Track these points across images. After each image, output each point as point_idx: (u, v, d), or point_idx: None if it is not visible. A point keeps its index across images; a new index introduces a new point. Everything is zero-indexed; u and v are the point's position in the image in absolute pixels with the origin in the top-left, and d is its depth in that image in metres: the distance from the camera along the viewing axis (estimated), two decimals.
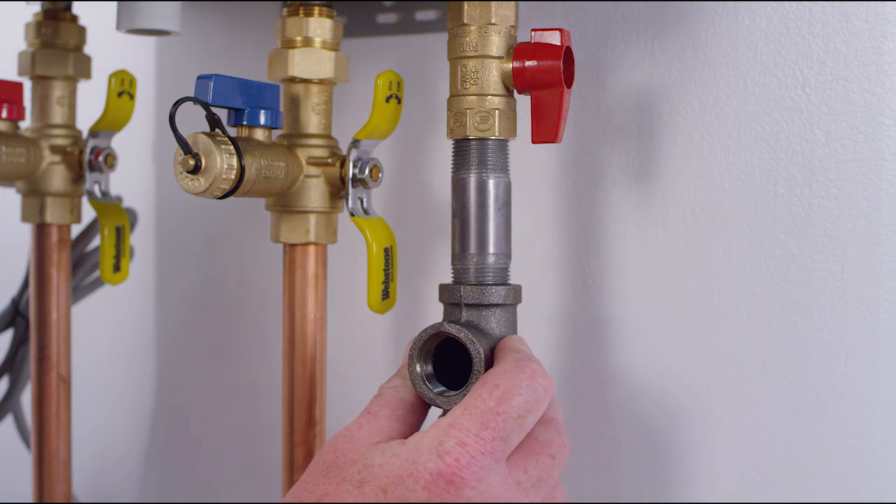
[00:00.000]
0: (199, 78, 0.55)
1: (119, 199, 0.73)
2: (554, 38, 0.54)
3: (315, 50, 0.60)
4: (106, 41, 0.77)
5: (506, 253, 0.56)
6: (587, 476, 0.70)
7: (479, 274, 0.55)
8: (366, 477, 0.48)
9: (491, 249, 0.55)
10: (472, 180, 0.55)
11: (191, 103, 0.53)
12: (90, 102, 0.74)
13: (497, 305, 0.55)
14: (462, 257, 0.56)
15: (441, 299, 0.56)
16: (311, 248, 0.61)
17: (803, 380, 0.63)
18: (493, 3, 0.54)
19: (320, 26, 0.60)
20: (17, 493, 0.91)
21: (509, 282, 0.57)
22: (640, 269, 0.68)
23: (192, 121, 0.58)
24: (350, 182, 0.59)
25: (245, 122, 0.58)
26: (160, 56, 0.91)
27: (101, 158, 0.71)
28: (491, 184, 0.55)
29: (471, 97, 0.55)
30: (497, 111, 0.54)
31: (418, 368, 0.54)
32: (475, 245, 0.55)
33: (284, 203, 0.61)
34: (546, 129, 0.54)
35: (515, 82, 0.54)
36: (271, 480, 0.83)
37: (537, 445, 0.50)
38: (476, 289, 0.55)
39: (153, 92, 0.91)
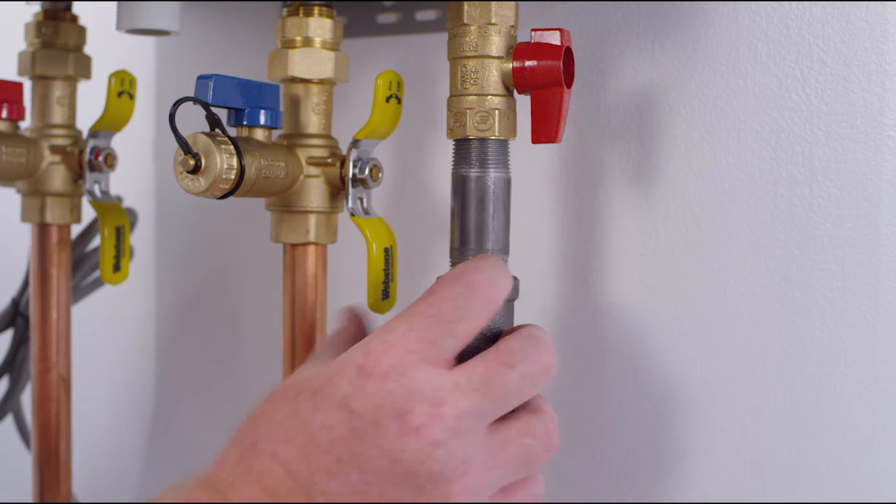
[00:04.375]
0: (199, 78, 0.55)
1: (119, 199, 0.73)
2: (554, 38, 0.54)
3: (315, 50, 0.60)
4: (106, 41, 0.77)
5: (504, 248, 0.56)
6: (585, 475, 0.70)
7: None
8: (301, 389, 0.48)
9: (489, 245, 0.55)
10: (472, 175, 0.55)
11: (191, 103, 0.53)
12: (90, 102, 0.74)
13: None
14: (461, 252, 0.56)
15: None
16: (311, 248, 0.61)
17: (803, 380, 0.63)
18: (493, 3, 0.54)
19: (320, 26, 0.60)
20: (17, 493, 0.91)
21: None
22: (640, 269, 0.68)
23: (192, 121, 0.58)
24: (350, 182, 0.59)
25: (245, 122, 0.58)
26: (160, 56, 0.91)
27: (101, 158, 0.71)
28: (491, 179, 0.55)
29: (471, 97, 0.55)
30: (497, 111, 0.54)
31: None
32: (474, 240, 0.55)
33: (284, 203, 0.61)
34: (546, 129, 0.54)
35: (515, 82, 0.54)
36: None
37: (496, 353, 0.49)
38: None
39: (153, 92, 0.91)
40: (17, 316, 0.81)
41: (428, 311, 0.48)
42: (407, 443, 0.45)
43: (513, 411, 0.49)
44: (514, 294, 0.56)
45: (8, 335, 0.82)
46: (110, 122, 0.71)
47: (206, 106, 0.54)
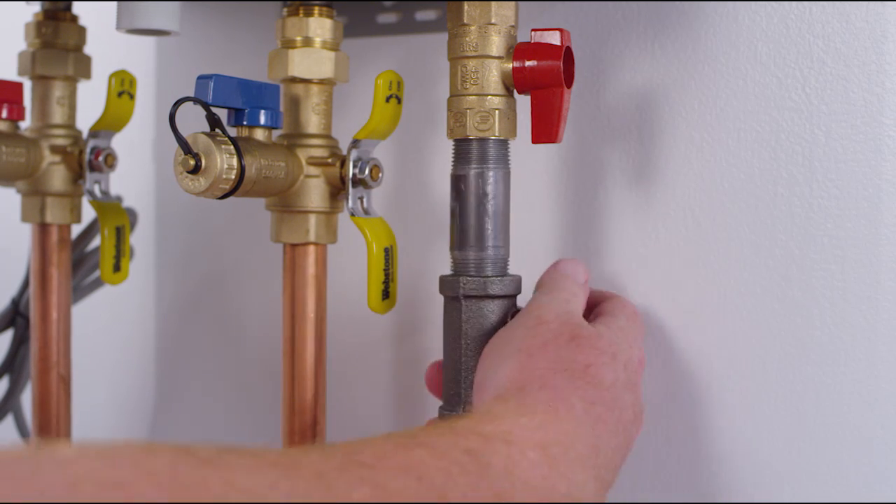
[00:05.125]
0: (199, 78, 0.55)
1: (119, 199, 0.73)
2: (554, 38, 0.54)
3: (315, 50, 0.60)
4: (106, 41, 0.77)
5: (505, 244, 0.56)
6: None
7: (478, 265, 0.55)
8: (615, 351, 0.55)
9: (490, 241, 0.55)
10: (472, 172, 0.55)
11: (191, 103, 0.53)
12: (90, 102, 0.74)
13: (497, 297, 0.55)
14: (461, 249, 0.56)
15: (441, 291, 0.56)
16: (311, 248, 0.61)
17: (803, 380, 0.63)
18: (493, 3, 0.54)
19: (320, 26, 0.60)
20: None
21: (509, 273, 0.57)
22: (640, 269, 0.68)
23: (193, 121, 0.58)
24: (350, 182, 0.59)
25: (245, 122, 0.58)
26: (160, 56, 0.91)
27: (101, 158, 0.71)
28: (491, 175, 0.55)
29: (471, 97, 0.55)
30: (497, 111, 0.54)
31: None
32: (474, 236, 0.55)
33: (284, 203, 0.61)
34: (546, 129, 0.54)
35: (515, 82, 0.54)
36: None
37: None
38: (476, 280, 0.55)
39: (153, 92, 0.91)
40: (17, 316, 0.81)
41: (640, 335, 0.61)
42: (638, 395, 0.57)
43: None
44: (518, 289, 0.57)
45: (8, 335, 0.82)
46: (110, 122, 0.71)
47: (206, 106, 0.54)
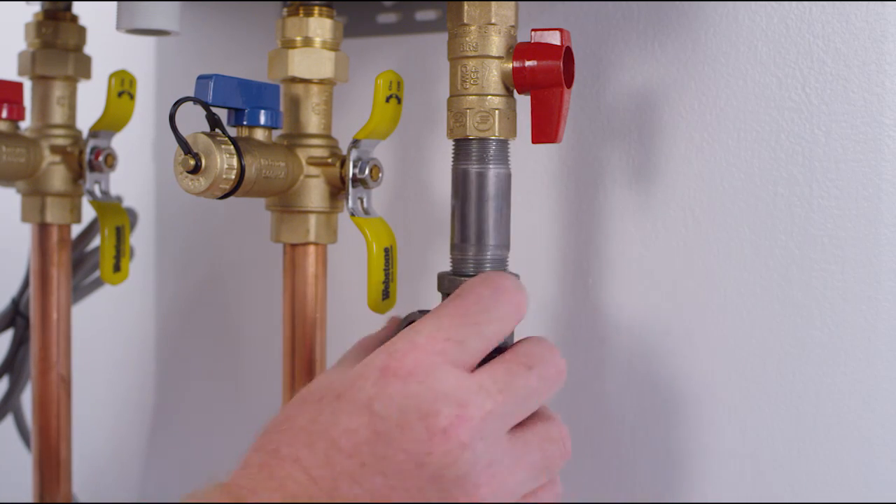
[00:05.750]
0: (199, 78, 0.55)
1: (119, 199, 0.73)
2: (554, 38, 0.54)
3: (315, 50, 0.60)
4: (106, 41, 0.77)
5: (505, 244, 0.56)
6: (584, 475, 0.70)
7: (478, 264, 0.55)
8: (324, 393, 0.47)
9: (490, 240, 0.55)
10: (473, 171, 0.55)
11: (191, 103, 0.53)
12: (90, 102, 0.74)
13: None
14: (461, 247, 0.56)
15: (440, 289, 0.56)
16: (311, 248, 0.61)
17: (803, 380, 0.63)
18: (493, 3, 0.54)
19: (320, 26, 0.60)
20: (17, 493, 0.91)
21: (508, 272, 0.57)
22: (640, 269, 0.68)
23: (193, 121, 0.58)
24: (350, 182, 0.59)
25: (245, 122, 0.58)
26: (160, 56, 0.91)
27: (101, 158, 0.71)
28: (491, 174, 0.55)
29: (471, 97, 0.55)
30: (497, 111, 0.54)
31: None
32: (474, 235, 0.55)
33: (284, 203, 0.61)
34: (546, 129, 0.54)
35: (515, 82, 0.54)
36: None
37: (514, 355, 0.48)
38: None
39: (153, 92, 0.91)
40: (17, 316, 0.81)
41: (455, 311, 0.48)
42: (433, 445, 0.44)
43: (527, 418, 0.48)
44: None
45: (8, 335, 0.82)
46: (110, 122, 0.71)
47: (206, 106, 0.54)
